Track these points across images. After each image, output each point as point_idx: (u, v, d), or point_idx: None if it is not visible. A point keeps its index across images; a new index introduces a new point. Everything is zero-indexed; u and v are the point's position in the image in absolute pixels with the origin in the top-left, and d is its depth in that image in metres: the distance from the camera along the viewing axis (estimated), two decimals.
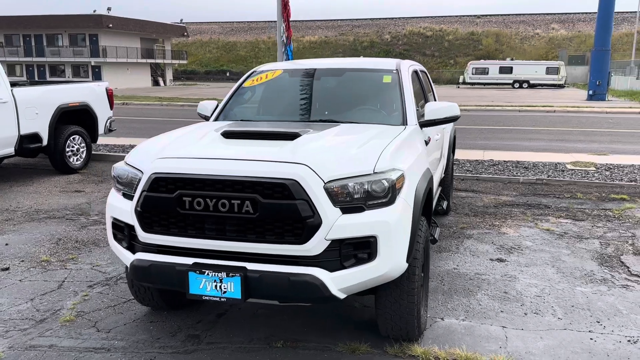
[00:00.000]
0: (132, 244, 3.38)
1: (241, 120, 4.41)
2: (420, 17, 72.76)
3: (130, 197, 3.37)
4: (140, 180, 3.27)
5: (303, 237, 2.93)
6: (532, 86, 49.59)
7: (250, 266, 3.02)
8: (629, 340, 3.67)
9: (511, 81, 50.03)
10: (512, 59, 53.64)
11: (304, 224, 2.91)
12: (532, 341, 3.67)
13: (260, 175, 2.96)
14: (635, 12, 56.37)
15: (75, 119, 9.88)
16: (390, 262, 3.06)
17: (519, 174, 9.32)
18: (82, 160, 9.95)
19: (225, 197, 2.99)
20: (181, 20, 64.30)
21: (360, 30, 72.35)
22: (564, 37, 65.31)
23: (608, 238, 5.93)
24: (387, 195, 3.06)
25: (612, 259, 5.29)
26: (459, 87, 51.55)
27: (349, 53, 67.69)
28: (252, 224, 2.99)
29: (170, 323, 3.98)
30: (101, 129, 10.41)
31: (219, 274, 3.02)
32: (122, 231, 3.43)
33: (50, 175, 9.55)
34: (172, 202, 3.09)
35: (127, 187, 3.44)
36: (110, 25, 47.80)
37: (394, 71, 4.66)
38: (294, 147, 3.29)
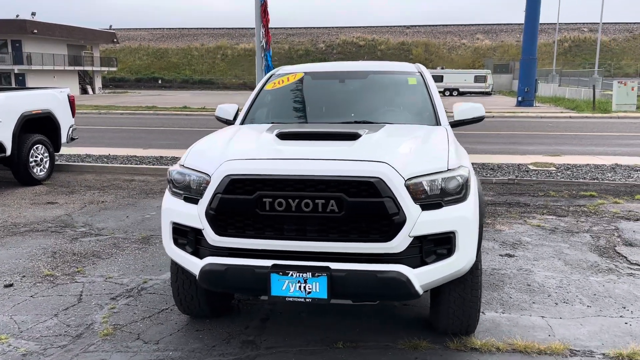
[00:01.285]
0: (198, 249, 3.28)
1: (275, 123, 4.36)
2: (353, 27, 74.24)
3: (194, 201, 3.28)
4: (209, 183, 3.19)
5: (389, 234, 2.97)
6: (461, 94, 51.69)
7: (334, 265, 3.02)
8: None
9: (442, 89, 51.87)
10: (442, 68, 55.74)
11: (390, 221, 2.95)
12: (574, 328, 3.87)
13: (346, 174, 2.97)
14: (551, 23, 60.25)
15: (37, 127, 9.34)
16: (467, 257, 3.15)
17: (488, 175, 9.73)
18: (45, 170, 9.42)
19: (309, 197, 2.98)
20: (110, 26, 62.05)
21: (295, 39, 72.81)
22: (489, 46, 68.71)
23: (595, 232, 6.33)
24: (462, 191, 3.15)
25: (608, 250, 5.65)
26: None
27: (285, 61, 67.80)
28: (336, 223, 2.99)
29: (218, 330, 3.87)
30: (64, 138, 9.89)
31: (304, 275, 2.99)
32: (186, 235, 3.32)
33: (13, 188, 8.98)
34: (251, 203, 3.03)
35: (187, 191, 3.34)
36: (35, 31, 45.35)
37: (417, 73, 4.79)
38: (363, 146, 3.33)
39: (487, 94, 51.19)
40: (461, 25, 73.31)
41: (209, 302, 3.85)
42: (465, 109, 4.41)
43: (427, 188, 3.06)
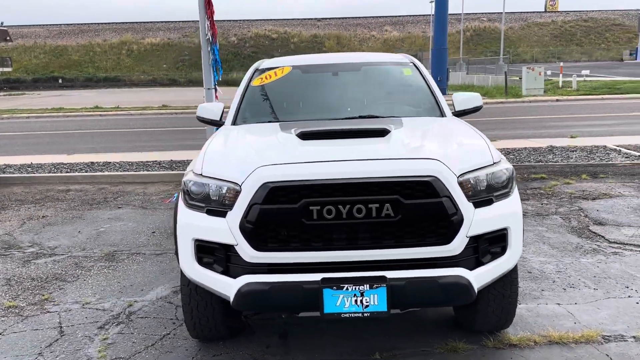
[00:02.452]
0: (228, 267, 2.92)
1: (275, 122, 4.02)
2: (264, 20, 73.44)
3: (220, 213, 2.92)
4: (239, 193, 2.84)
5: (447, 236, 2.78)
6: None
7: (389, 274, 2.79)
8: None
9: None
10: None
11: (448, 222, 2.77)
12: (594, 313, 3.91)
13: (401, 174, 2.75)
14: (453, 14, 62.91)
15: None
16: (517, 253, 3.04)
17: None
18: None
19: (361, 202, 2.72)
20: (2, 23, 56.97)
21: None
22: (397, 38, 70.63)
23: (563, 213, 6.54)
24: (508, 185, 3.03)
25: (583, 231, 5.84)
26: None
27: (196, 55, 65.89)
28: (391, 228, 2.76)
29: (238, 353, 3.52)
30: None
31: (361, 287, 2.74)
32: (213, 253, 2.95)
33: None
34: (296, 213, 2.73)
35: (209, 203, 2.97)
36: None
37: (410, 64, 4.64)
38: (401, 143, 3.12)
39: None
40: (370, 17, 74.78)
41: (226, 322, 3.49)
42: (465, 98, 4.32)
43: (477, 184, 2.91)
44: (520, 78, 28.38)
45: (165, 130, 17.77)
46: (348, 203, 2.72)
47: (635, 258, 4.95)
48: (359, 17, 74.82)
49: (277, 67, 4.61)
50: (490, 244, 2.93)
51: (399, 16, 75.20)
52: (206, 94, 8.70)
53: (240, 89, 4.46)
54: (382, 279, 2.76)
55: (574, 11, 75.75)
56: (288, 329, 3.82)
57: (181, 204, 3.15)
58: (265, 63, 4.77)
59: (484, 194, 2.93)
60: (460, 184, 2.84)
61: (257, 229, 2.78)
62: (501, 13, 76.83)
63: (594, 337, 3.51)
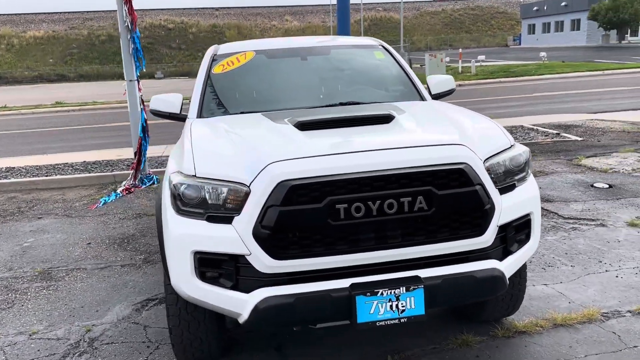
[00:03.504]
0: (238, 280, 2.53)
1: (250, 113, 3.62)
2: (159, 9, 70.09)
3: (224, 220, 2.52)
4: (248, 194, 2.46)
5: (481, 227, 2.59)
6: None
7: (423, 273, 2.55)
8: None
9: None
10: None
11: (482, 212, 2.57)
12: (582, 291, 3.93)
13: (433, 162, 2.50)
14: (354, 4, 63.97)
15: None
16: (538, 238, 2.92)
17: None
18: None
19: (392, 196, 2.45)
20: None
21: (95, 24, 66.38)
22: (297, 28, 70.55)
23: None
24: (525, 168, 2.90)
25: None
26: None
27: (86, 48, 61.84)
28: (424, 223, 2.51)
29: None
30: None
31: (396, 291, 2.47)
32: (219, 266, 2.54)
33: None
34: (321, 213, 2.40)
35: (208, 208, 2.55)
36: None
37: (380, 46, 4.41)
38: (416, 128, 2.87)
39: None
40: (270, 7, 74.05)
41: (219, 342, 3.08)
42: (439, 81, 4.16)
43: (500, 169, 2.74)
44: (423, 65, 29.30)
45: (67, 129, 16.34)
46: (378, 198, 2.43)
47: (594, 232, 5.10)
48: (259, 7, 73.87)
49: (238, 53, 4.19)
50: (517, 232, 2.78)
51: (299, 6, 75.17)
52: (128, 87, 8.00)
53: (199, 78, 4.00)
54: (417, 279, 2.51)
55: (463, 0, 79.85)
56: (281, 340, 3.48)
57: (169, 212, 2.69)
58: (222, 48, 4.32)
59: (508, 180, 2.77)
60: (487, 169, 2.65)
61: (275, 235, 2.41)
62: (396, 3, 79.28)
63: (595, 316, 3.51)
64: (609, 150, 8.68)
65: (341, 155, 2.51)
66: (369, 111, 3.25)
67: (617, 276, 4.13)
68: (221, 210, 2.54)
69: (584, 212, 5.72)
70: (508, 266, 2.71)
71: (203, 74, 4.02)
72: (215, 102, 3.85)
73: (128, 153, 10.79)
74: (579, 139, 9.70)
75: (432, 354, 3.22)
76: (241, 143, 2.80)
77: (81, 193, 8.01)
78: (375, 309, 2.47)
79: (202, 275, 2.58)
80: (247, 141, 2.81)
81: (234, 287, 2.54)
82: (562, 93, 18.14)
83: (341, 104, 3.78)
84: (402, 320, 2.50)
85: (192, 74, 54.73)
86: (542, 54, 34.03)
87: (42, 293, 4.47)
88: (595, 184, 6.70)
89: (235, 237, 2.48)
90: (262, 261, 2.45)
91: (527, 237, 2.84)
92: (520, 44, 65.48)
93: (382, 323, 2.49)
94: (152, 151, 10.31)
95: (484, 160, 2.66)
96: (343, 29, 39.36)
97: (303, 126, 2.91)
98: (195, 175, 2.62)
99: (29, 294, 4.47)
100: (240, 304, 2.51)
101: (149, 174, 8.32)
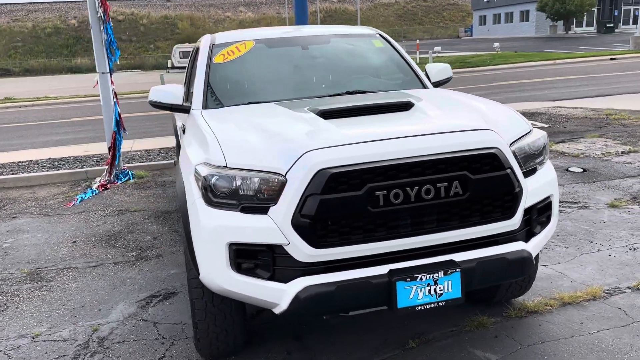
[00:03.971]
0: (275, 270, 2.51)
1: (262, 103, 3.57)
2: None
3: (259, 210, 2.49)
4: (284, 184, 2.44)
5: (511, 210, 2.65)
6: None
7: (457, 257, 2.59)
8: (630, 249, 4.40)
9: None
10: None
11: (513, 195, 2.63)
12: (581, 270, 4.08)
13: (467, 147, 2.54)
14: None
15: None
16: (557, 219, 3.01)
17: None
18: None
19: (430, 182, 2.47)
20: None
21: (39, 16, 63.58)
22: (252, 19, 69.74)
23: None
24: (544, 152, 2.98)
25: None
26: (168, 72, 50.56)
27: (31, 41, 59.27)
28: (458, 207, 2.56)
29: None
30: None
31: (434, 275, 2.50)
32: (255, 257, 2.51)
33: None
34: (361, 200, 2.40)
35: (242, 199, 2.52)
36: None
37: (377, 35, 4.43)
38: (441, 114, 2.91)
39: None
40: None
41: (244, 334, 3.06)
42: (439, 69, 4.22)
43: (523, 153, 2.81)
44: None
45: (23, 125, 15.66)
46: (416, 184, 2.46)
47: (579, 214, 5.30)
48: None
49: (238, 42, 4.12)
50: (539, 215, 2.86)
51: None
52: (100, 79, 7.75)
53: (199, 69, 3.91)
54: (454, 263, 2.56)
55: None
56: (298, 330, 3.47)
57: (199, 204, 2.63)
58: (219, 38, 4.24)
59: (530, 163, 2.84)
60: (513, 153, 2.71)
61: (315, 224, 2.40)
62: None
63: (598, 293, 3.66)
64: (576, 136, 9.01)
65: (379, 142, 2.51)
66: (386, 99, 3.27)
67: (610, 255, 4.31)
68: (255, 201, 2.51)
69: (565, 195, 5.92)
70: (533, 247, 2.79)
71: (203, 64, 3.93)
72: (221, 92, 3.78)
73: (95, 148, 10.48)
74: (545, 125, 10.02)
75: (452, 337, 3.29)
76: (267, 132, 2.76)
77: (53, 191, 7.72)
78: (415, 294, 2.50)
79: (238, 267, 2.54)
80: (274, 130, 2.78)
81: (271, 278, 2.52)
82: (519, 82, 18.66)
83: (348, 92, 3.78)
84: (440, 304, 2.54)
85: (145, 67, 53.33)
86: (496, 44, 34.91)
87: (36, 294, 4.29)
88: (570, 169, 6.95)
89: (273, 227, 2.46)
90: (302, 250, 2.43)
91: (548, 219, 2.93)
92: (472, 35, 66.89)
93: (421, 307, 2.53)
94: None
95: (511, 144, 2.73)
96: (301, 21, 39.48)
97: (326, 115, 2.90)
98: (226, 166, 2.58)
99: (20, 295, 4.29)
100: (278, 294, 2.49)
101: (124, 169, 8.10)
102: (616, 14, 55.63)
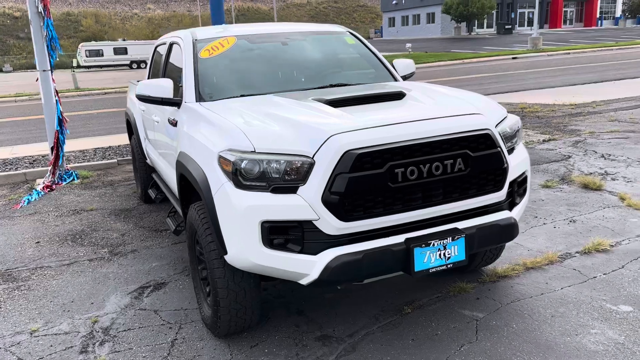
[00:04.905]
0: (304, 244, 2.75)
1: (245, 95, 3.78)
2: None
3: (288, 190, 2.73)
4: (312, 165, 2.69)
5: (501, 183, 3.06)
6: None
7: (460, 225, 2.97)
8: (570, 221, 5.03)
9: (128, 62, 49.67)
10: (124, 40, 52.97)
11: (502, 170, 3.05)
12: (534, 240, 4.63)
13: (466, 128, 2.91)
14: None
15: None
16: (529, 192, 3.47)
17: None
18: None
19: (438, 159, 2.83)
20: None
21: None
22: (162, 16, 67.88)
23: None
24: (518, 134, 3.42)
25: None
26: (74, 71, 48.10)
27: None
28: (460, 182, 2.93)
29: (274, 339, 3.33)
30: None
31: (444, 241, 2.86)
32: (286, 233, 2.74)
33: None
34: (383, 177, 2.71)
35: (271, 180, 2.74)
36: None
37: (348, 32, 4.74)
38: (435, 102, 3.27)
39: None
40: None
41: (260, 310, 3.27)
42: (405, 65, 4.60)
43: (505, 134, 3.22)
44: None
45: None
46: (428, 162, 2.80)
47: None
48: None
49: (219, 38, 4.27)
50: (518, 187, 3.30)
51: None
52: (41, 77, 7.50)
53: (187, 63, 4.02)
54: (458, 230, 2.93)
55: None
56: (300, 305, 3.72)
57: (228, 187, 2.81)
58: (200, 33, 4.36)
59: (510, 143, 3.27)
60: (499, 134, 3.12)
61: (343, 199, 2.67)
62: None
63: (554, 258, 4.20)
64: None
65: (396, 125, 2.82)
66: (380, 89, 3.59)
67: (554, 227, 4.91)
68: (285, 181, 2.74)
69: None
70: (517, 215, 3.23)
71: (189, 58, 4.05)
72: (212, 86, 3.92)
73: (22, 151, 10.00)
74: None
75: (440, 301, 3.68)
76: (286, 119, 2.98)
77: None
78: (428, 259, 2.85)
79: (270, 243, 2.76)
80: (291, 118, 3.00)
81: (301, 251, 2.76)
82: (435, 81, 19.79)
83: (331, 85, 4.07)
84: (448, 266, 2.91)
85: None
86: (408, 45, 36.51)
87: (15, 294, 4.21)
88: None
89: (303, 205, 2.70)
90: (331, 224, 2.70)
91: (524, 192, 3.39)
92: (382, 37, 69.19)
93: (434, 270, 2.87)
94: (41, 149, 9.70)
95: (495, 126, 3.14)
96: (217, 19, 38.80)
97: (334, 104, 3.18)
98: (254, 151, 2.78)
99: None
100: (308, 265, 2.74)
101: (68, 169, 7.86)
102: (513, 16, 59.90)
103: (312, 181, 2.70)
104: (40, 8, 7.17)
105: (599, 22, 65.94)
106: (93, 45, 50.35)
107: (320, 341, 3.28)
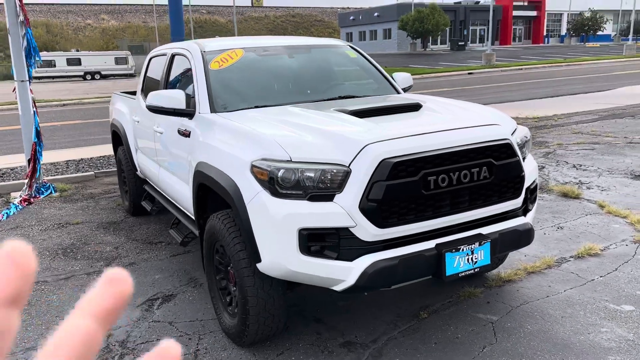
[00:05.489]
0: (340, 251, 2.82)
1: (259, 107, 3.83)
2: None
3: (325, 198, 2.80)
4: (348, 173, 2.77)
5: (519, 191, 3.23)
6: (104, 77, 49.45)
7: (484, 230, 3.10)
8: (558, 227, 5.28)
9: (82, 73, 48.53)
10: (77, 50, 51.74)
11: (520, 178, 3.21)
12: (528, 246, 4.81)
13: (490, 138, 3.06)
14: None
15: None
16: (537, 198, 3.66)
17: None
18: None
19: (465, 167, 2.96)
20: None
21: None
22: (116, 27, 66.60)
23: None
24: (528, 143, 3.61)
25: None
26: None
27: None
28: (485, 189, 3.07)
29: (297, 347, 3.36)
30: None
31: (472, 246, 2.98)
32: (323, 240, 2.80)
33: None
34: (417, 185, 2.82)
35: (308, 189, 2.81)
36: None
37: (347, 46, 4.86)
38: (452, 113, 3.41)
39: (132, 75, 50.27)
40: (84, 4, 68.55)
41: (285, 316, 3.30)
42: (403, 78, 4.76)
43: (519, 144, 3.40)
44: None
45: None
46: (457, 170, 2.92)
47: None
48: (71, 4, 67.91)
49: (227, 50, 4.31)
50: (531, 194, 3.48)
51: (117, 5, 70.89)
52: (19, 88, 7.31)
53: (198, 74, 4.03)
54: (483, 235, 3.06)
55: (284, 7, 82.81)
56: (317, 314, 3.76)
57: (264, 196, 2.85)
58: (208, 45, 4.38)
59: (522, 153, 3.45)
60: (516, 144, 3.29)
61: (380, 207, 2.76)
62: (219, 6, 79.13)
63: (552, 263, 4.41)
64: None
65: (427, 135, 2.95)
66: (394, 101, 3.71)
67: (544, 233, 5.14)
68: (321, 190, 2.81)
69: None
70: (530, 220, 3.40)
71: (201, 70, 4.07)
72: (224, 97, 3.94)
73: None
74: None
75: (453, 306, 3.80)
76: (315, 130, 3.05)
77: None
78: (457, 263, 2.96)
79: (307, 250, 2.81)
80: (320, 128, 3.08)
81: (337, 258, 2.82)
82: None
83: (339, 97, 4.17)
84: (475, 270, 3.03)
85: None
86: None
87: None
88: None
89: (341, 212, 2.77)
90: (368, 231, 2.78)
91: (535, 199, 3.57)
92: None
93: (463, 274, 2.99)
94: (12, 161, 9.40)
95: (511, 135, 3.31)
96: (177, 31, 38.26)
97: (358, 114, 3.28)
98: (290, 160, 2.83)
99: None
100: (345, 271, 2.81)
101: (45, 182, 7.63)
102: (465, 33, 61.90)
103: (348, 189, 2.78)
104: (22, 17, 7.00)
105: (546, 39, 69.04)
106: (45, 55, 48.80)
107: (345, 347, 3.33)
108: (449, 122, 3.21)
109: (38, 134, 7.43)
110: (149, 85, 5.34)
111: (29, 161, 7.37)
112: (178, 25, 35.56)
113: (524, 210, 3.42)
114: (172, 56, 4.74)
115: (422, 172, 2.83)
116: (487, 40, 36.97)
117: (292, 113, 3.53)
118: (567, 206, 5.89)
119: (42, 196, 7.35)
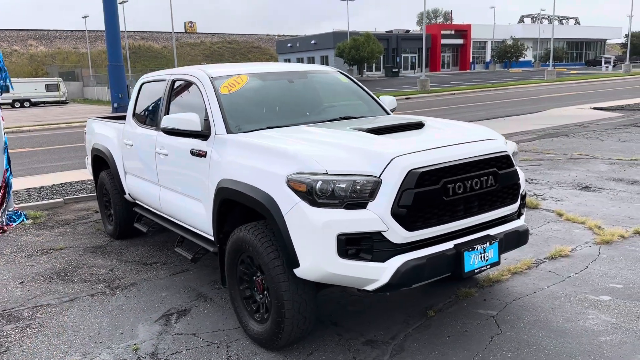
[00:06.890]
0: (374, 253, 3.14)
1: (271, 128, 4.12)
2: None
3: (359, 206, 3.13)
4: (379, 183, 3.12)
5: (516, 197, 3.68)
6: (34, 104, 47.64)
7: (491, 232, 3.52)
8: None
9: (11, 100, 46.55)
10: None
11: (517, 185, 3.67)
12: None
13: (494, 151, 3.51)
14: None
15: None
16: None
17: None
18: None
19: (477, 176, 3.37)
20: None
21: None
22: (45, 53, 64.41)
23: None
24: (515, 157, 4.08)
25: None
26: None
27: None
28: (491, 195, 3.49)
29: (324, 348, 3.62)
30: None
31: (484, 245, 3.38)
32: (359, 243, 3.11)
33: None
34: (439, 192, 3.20)
35: (343, 198, 3.12)
36: None
37: (337, 72, 5.25)
38: (455, 129, 3.84)
39: (64, 102, 48.71)
40: (9, 30, 65.83)
41: (315, 318, 3.56)
42: (390, 101, 5.20)
43: (512, 156, 3.87)
44: None
45: None
46: (470, 178, 3.33)
47: None
48: None
49: (233, 75, 4.57)
50: (522, 200, 3.94)
51: (45, 30, 68.53)
52: None
53: (210, 98, 4.25)
54: (491, 236, 3.47)
55: (220, 33, 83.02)
56: (330, 318, 4.03)
57: (303, 206, 3.13)
58: (213, 71, 4.61)
59: (515, 164, 3.92)
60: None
61: (410, 212, 3.11)
62: (152, 32, 78.29)
63: (530, 264, 4.91)
64: None
65: (444, 148, 3.35)
66: (400, 120, 4.10)
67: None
68: (356, 198, 3.13)
69: None
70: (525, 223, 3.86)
71: (212, 94, 4.28)
72: (237, 119, 4.18)
73: None
74: None
75: (454, 305, 4.18)
76: (342, 146, 3.38)
77: None
78: (473, 261, 3.35)
79: (345, 254, 3.11)
80: (346, 144, 3.41)
81: (371, 259, 3.14)
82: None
83: (341, 118, 4.53)
84: (487, 267, 3.43)
85: None
86: None
87: (28, 332, 4.09)
88: None
89: (375, 218, 3.10)
90: (399, 234, 3.12)
91: (524, 204, 4.04)
92: None
93: (477, 271, 3.39)
94: None
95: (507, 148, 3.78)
96: (115, 56, 37.48)
97: (375, 132, 3.65)
98: (326, 173, 3.14)
99: (11, 336, 4.04)
100: (378, 271, 3.12)
101: (16, 210, 7.48)
102: (398, 60, 64.43)
103: (380, 197, 3.12)
104: None
105: (472, 66, 72.95)
106: None
107: (369, 345, 3.63)
108: (456, 137, 3.63)
109: (8, 160, 7.30)
110: (144, 110, 5.49)
111: None
112: (116, 51, 35.04)
113: (518, 214, 3.88)
114: (173, 82, 4.94)
115: (443, 180, 3.22)
116: (420, 67, 38.80)
117: (311, 132, 3.85)
118: (529, 215, 6.48)
119: (14, 224, 7.21)
